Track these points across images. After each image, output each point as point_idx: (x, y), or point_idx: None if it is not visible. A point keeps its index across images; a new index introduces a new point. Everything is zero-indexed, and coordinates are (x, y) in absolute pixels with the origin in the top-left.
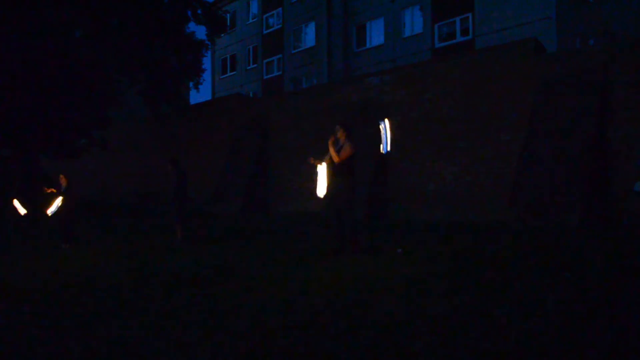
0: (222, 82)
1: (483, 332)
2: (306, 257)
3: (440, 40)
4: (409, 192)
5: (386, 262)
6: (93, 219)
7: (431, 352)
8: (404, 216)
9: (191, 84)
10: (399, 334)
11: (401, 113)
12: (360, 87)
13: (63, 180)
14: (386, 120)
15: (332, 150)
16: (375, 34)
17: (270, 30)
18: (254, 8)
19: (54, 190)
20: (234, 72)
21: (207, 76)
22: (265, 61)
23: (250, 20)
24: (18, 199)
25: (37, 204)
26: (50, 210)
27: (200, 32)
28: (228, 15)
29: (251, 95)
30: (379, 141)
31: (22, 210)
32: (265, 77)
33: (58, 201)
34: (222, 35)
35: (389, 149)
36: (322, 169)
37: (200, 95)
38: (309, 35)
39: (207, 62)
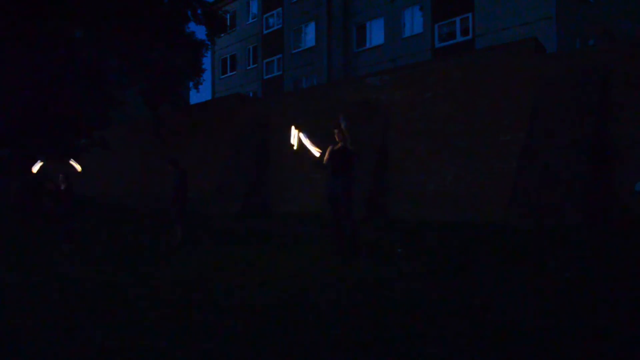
0: (222, 82)
1: (483, 332)
2: (306, 257)
3: (440, 40)
4: (409, 192)
5: (386, 262)
6: (93, 219)
7: (431, 351)
8: (404, 216)
9: (191, 84)
10: (399, 334)
11: (401, 113)
12: (360, 87)
13: (63, 180)
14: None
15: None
16: (375, 34)
17: (270, 30)
18: (254, 8)
19: (54, 187)
20: (234, 72)
21: (207, 76)
22: (265, 61)
23: (250, 20)
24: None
25: (37, 202)
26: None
27: (200, 32)
28: (228, 15)
29: (251, 95)
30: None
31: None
32: (265, 77)
33: (38, 164)
34: (222, 35)
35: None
36: (303, 137)
37: (200, 95)
38: (309, 35)
39: (207, 62)
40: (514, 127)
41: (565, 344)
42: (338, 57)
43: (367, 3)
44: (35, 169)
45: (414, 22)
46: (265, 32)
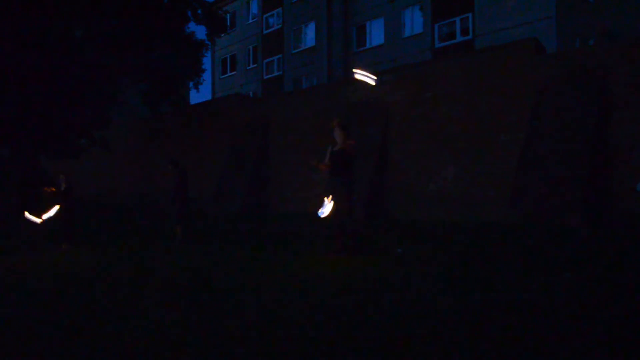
0: (222, 82)
1: (483, 332)
2: (306, 258)
3: (440, 40)
4: (409, 192)
5: (386, 262)
6: (92, 219)
7: (431, 352)
8: (403, 216)
9: (191, 84)
10: (399, 334)
11: (401, 113)
12: (360, 87)
13: (63, 180)
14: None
15: (325, 164)
16: (375, 34)
17: (270, 30)
18: (254, 8)
19: (54, 190)
20: (234, 72)
21: (207, 76)
22: (265, 61)
23: (250, 20)
24: (24, 207)
25: (36, 205)
26: (45, 216)
27: (200, 32)
28: (228, 15)
29: (251, 95)
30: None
31: (37, 220)
32: (265, 77)
33: (55, 209)
34: (222, 35)
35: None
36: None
37: (200, 95)
38: (309, 35)
39: (207, 62)
40: (514, 127)
41: (566, 344)
42: (338, 57)
43: (367, 3)
44: (33, 220)
45: (414, 22)
46: (265, 32)
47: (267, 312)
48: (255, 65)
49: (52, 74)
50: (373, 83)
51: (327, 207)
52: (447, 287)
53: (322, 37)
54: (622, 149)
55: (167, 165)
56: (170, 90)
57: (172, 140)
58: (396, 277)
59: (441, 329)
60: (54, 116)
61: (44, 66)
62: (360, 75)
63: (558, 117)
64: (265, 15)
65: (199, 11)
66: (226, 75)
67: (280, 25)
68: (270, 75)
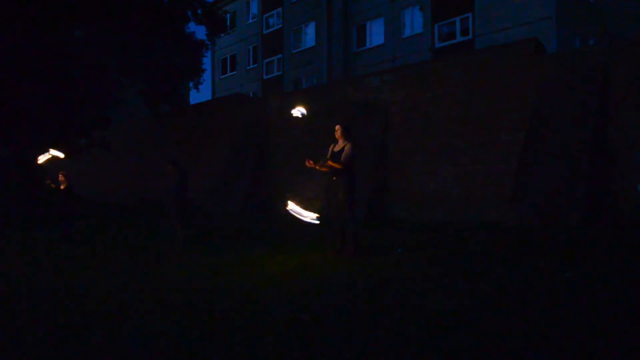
0: (222, 82)
1: (482, 333)
2: (306, 258)
3: (440, 40)
4: (409, 192)
5: (386, 262)
6: (93, 219)
7: (431, 352)
8: (404, 216)
9: (191, 84)
10: (399, 334)
11: (401, 113)
12: (360, 87)
13: (62, 179)
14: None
15: (330, 163)
16: (375, 34)
17: (270, 30)
18: (254, 8)
19: (53, 186)
20: (234, 72)
21: (207, 76)
22: (265, 61)
23: (250, 20)
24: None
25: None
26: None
27: (200, 32)
28: (228, 15)
29: (251, 95)
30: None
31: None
32: (265, 77)
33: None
34: (222, 35)
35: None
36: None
37: (200, 95)
38: (309, 35)
39: (207, 62)
40: (514, 127)
41: (566, 344)
42: (338, 57)
43: (367, 3)
44: (41, 159)
45: (414, 22)
46: (265, 32)
47: (267, 312)
48: (255, 65)
49: (52, 74)
50: (300, 115)
51: (303, 212)
52: (447, 287)
53: (322, 37)
54: (622, 149)
55: (167, 165)
56: (170, 90)
57: (172, 140)
58: (396, 278)
59: (441, 329)
60: (54, 116)
61: (44, 66)
62: (296, 112)
63: (558, 117)
64: (265, 15)
65: (199, 11)
66: (226, 75)
67: (280, 25)
68: (270, 75)
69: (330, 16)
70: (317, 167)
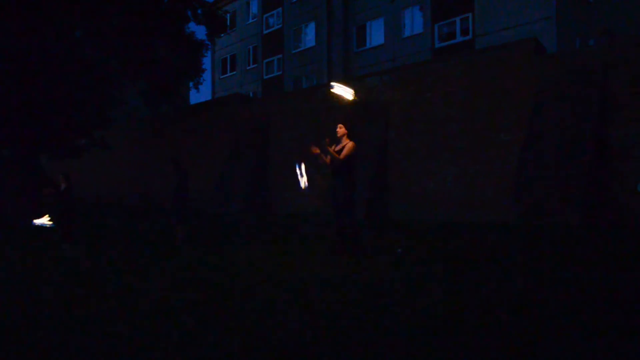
0: (222, 82)
1: (482, 332)
2: (306, 257)
3: (440, 40)
4: (409, 192)
5: (386, 262)
6: (93, 218)
7: (431, 352)
8: (404, 216)
9: (191, 84)
10: (399, 334)
11: (401, 113)
12: (360, 87)
13: (62, 180)
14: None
15: (332, 151)
16: (375, 34)
17: (270, 30)
18: (254, 8)
19: (53, 191)
20: (234, 72)
21: (207, 76)
22: (265, 61)
23: (250, 20)
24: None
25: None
26: (37, 221)
27: (200, 32)
28: (228, 15)
29: (251, 95)
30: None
31: (47, 223)
32: (265, 77)
33: (46, 218)
34: (222, 35)
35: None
36: (303, 167)
37: (200, 95)
38: (309, 35)
39: (207, 62)
40: (514, 127)
41: (566, 344)
42: (338, 57)
43: (367, 3)
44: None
45: (414, 22)
46: (265, 32)
47: (266, 312)
48: (255, 65)
49: (52, 74)
50: (350, 98)
51: (304, 179)
52: (446, 286)
53: (322, 37)
54: (622, 149)
55: (168, 165)
56: (170, 90)
57: (172, 140)
58: (396, 277)
59: (441, 329)
60: (54, 116)
61: (44, 66)
62: (338, 88)
63: (558, 116)
64: (265, 15)
65: (199, 11)
66: (226, 75)
67: (280, 25)
68: (270, 75)
69: (330, 16)
70: (322, 156)
